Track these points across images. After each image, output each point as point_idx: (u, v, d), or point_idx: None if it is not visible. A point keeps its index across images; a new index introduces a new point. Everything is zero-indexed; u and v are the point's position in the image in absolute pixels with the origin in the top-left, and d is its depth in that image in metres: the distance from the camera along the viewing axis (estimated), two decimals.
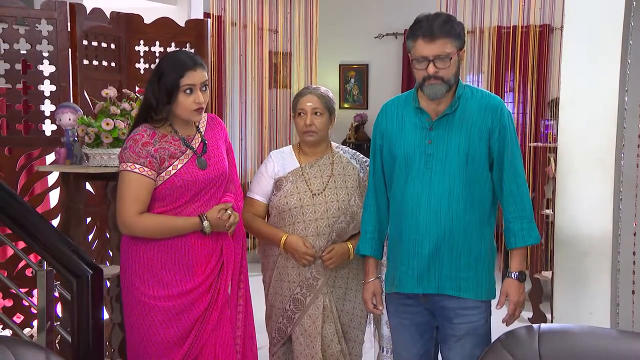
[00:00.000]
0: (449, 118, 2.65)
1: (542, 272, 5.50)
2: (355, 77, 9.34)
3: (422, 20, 2.57)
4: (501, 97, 7.07)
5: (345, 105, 9.39)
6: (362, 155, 3.27)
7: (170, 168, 2.73)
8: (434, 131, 2.66)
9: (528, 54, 6.99)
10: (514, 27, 7.04)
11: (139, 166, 2.68)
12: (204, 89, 2.74)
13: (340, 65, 9.32)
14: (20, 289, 3.63)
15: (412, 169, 2.67)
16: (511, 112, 7.15)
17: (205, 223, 2.75)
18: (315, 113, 3.08)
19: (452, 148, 2.62)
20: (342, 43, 8.95)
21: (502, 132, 2.64)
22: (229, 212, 2.79)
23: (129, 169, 2.69)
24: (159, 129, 2.75)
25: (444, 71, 2.57)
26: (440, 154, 2.64)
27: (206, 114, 2.92)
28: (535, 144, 6.22)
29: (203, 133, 2.87)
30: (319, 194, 3.09)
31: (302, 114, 3.10)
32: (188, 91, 2.69)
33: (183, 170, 2.74)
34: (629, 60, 3.04)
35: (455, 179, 2.62)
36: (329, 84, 9.27)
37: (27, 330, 4.06)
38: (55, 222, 4.09)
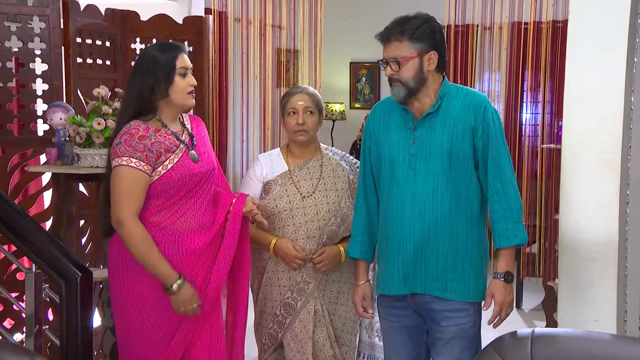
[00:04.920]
0: (432, 117, 2.73)
1: (555, 279, 5.52)
2: (366, 76, 9.34)
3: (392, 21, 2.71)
4: (517, 97, 7.14)
5: (356, 105, 9.38)
6: (352, 157, 3.35)
7: (167, 162, 2.77)
8: (418, 131, 2.74)
9: (541, 51, 6.98)
10: (526, 23, 7.00)
11: (135, 160, 2.71)
12: (192, 73, 2.86)
13: (351, 63, 9.33)
14: (11, 294, 3.72)
15: (397, 170, 2.75)
16: (527, 112, 7.24)
17: (175, 286, 2.74)
18: (307, 112, 3.17)
19: (435, 147, 2.70)
20: (353, 40, 8.90)
21: (486, 130, 2.71)
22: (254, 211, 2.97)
23: (124, 163, 2.71)
24: (149, 123, 2.81)
25: (399, 74, 2.69)
26: (423, 154, 2.71)
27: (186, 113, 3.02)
28: (549, 145, 6.24)
29: (189, 128, 2.95)
30: (308, 197, 3.17)
31: (293, 113, 3.18)
32: (182, 74, 2.80)
33: (179, 164, 2.80)
34: (635, 59, 3.09)
35: (438, 179, 2.70)
36: (340, 83, 9.30)
37: (17, 336, 4.15)
38: (48, 224, 4.18)
